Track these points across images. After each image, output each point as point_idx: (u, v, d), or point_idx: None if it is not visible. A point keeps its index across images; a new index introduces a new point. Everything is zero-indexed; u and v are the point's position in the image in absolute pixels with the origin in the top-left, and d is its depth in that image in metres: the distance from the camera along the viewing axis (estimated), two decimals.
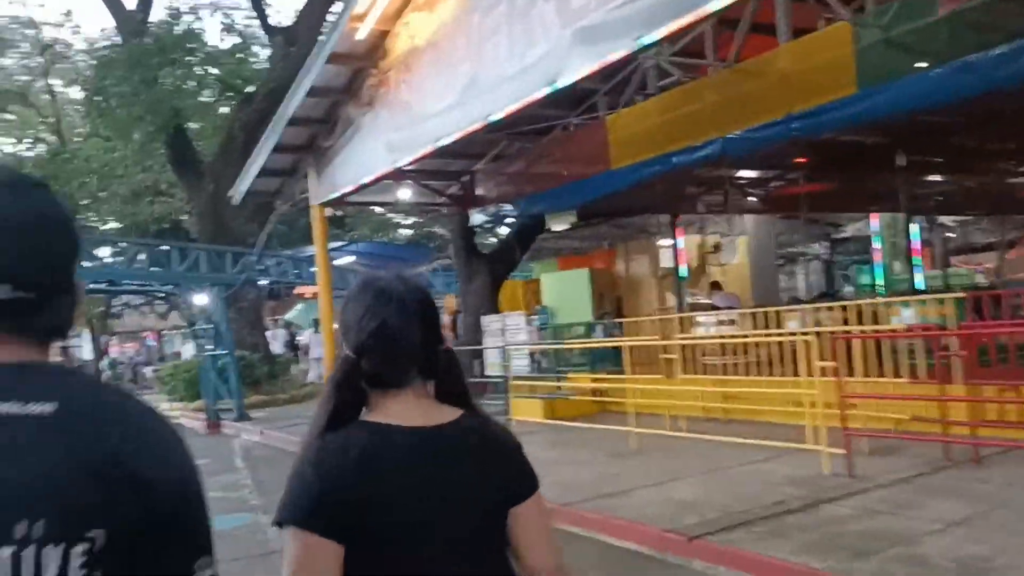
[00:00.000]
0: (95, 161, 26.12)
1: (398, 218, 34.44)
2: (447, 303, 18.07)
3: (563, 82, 6.63)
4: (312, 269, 19.85)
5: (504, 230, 19.78)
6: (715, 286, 14.18)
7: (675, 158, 9.10)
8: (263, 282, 17.36)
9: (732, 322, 11.12)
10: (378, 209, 25.79)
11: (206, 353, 15.13)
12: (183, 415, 16.56)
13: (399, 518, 1.37)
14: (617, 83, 11.23)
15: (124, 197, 27.30)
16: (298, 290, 26.02)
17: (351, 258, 25.57)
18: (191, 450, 1.08)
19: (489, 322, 13.85)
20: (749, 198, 14.55)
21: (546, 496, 1.58)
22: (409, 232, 35.98)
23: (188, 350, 22.80)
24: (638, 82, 10.89)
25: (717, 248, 16.74)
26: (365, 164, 10.97)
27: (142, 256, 14.63)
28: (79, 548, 0.92)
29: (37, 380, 0.99)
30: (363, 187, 11.56)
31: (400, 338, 1.44)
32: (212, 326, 14.60)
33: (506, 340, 12.98)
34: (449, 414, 1.49)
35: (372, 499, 1.36)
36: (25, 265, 1.01)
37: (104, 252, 15.51)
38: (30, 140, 30.67)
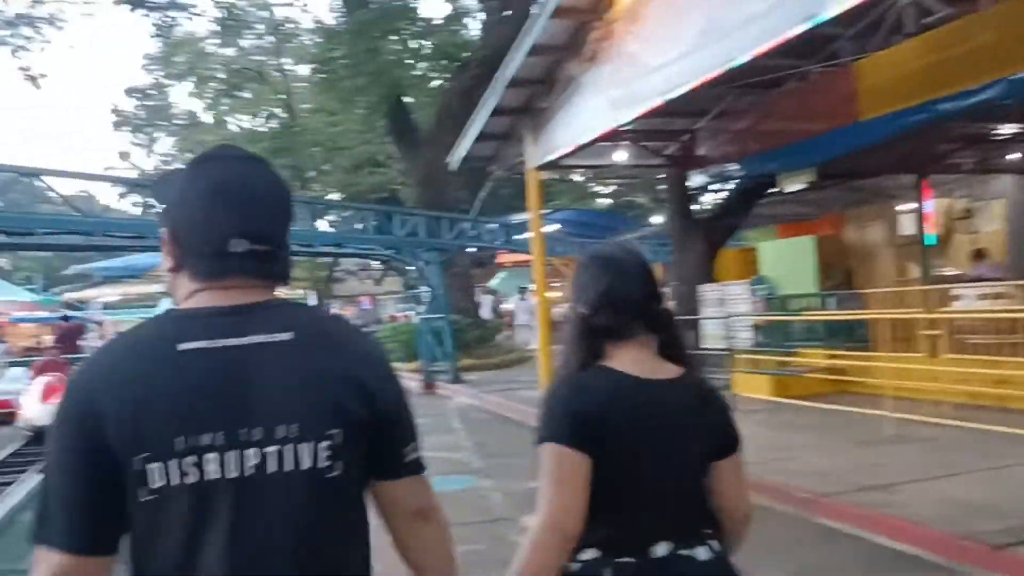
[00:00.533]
0: (321, 135, 27.79)
1: (597, 187, 34.05)
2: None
3: (828, 13, 5.81)
4: (520, 236, 19.95)
5: (713, 197, 18.83)
6: (980, 255, 12.55)
7: (943, 104, 7.92)
8: (474, 249, 17.51)
9: (999, 296, 9.67)
10: (577, 178, 25.52)
11: (422, 316, 15.48)
12: (400, 375, 17.19)
13: (628, 444, 1.67)
14: (865, 26, 10.01)
15: (345, 169, 28.87)
16: (500, 259, 26.30)
17: (556, 226, 25.44)
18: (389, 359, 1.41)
19: (707, 292, 13.09)
20: (1011, 155, 12.73)
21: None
22: (607, 201, 35.57)
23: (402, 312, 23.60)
24: (892, 23, 9.63)
25: (969, 213, 14.86)
26: (583, 124, 10.57)
27: (358, 226, 15.17)
28: (324, 444, 1.23)
29: (277, 315, 1.28)
30: (580, 149, 11.17)
31: (624, 296, 1.75)
32: (429, 290, 14.88)
33: (726, 311, 12.17)
34: (672, 370, 1.76)
35: (610, 424, 1.67)
36: (266, 222, 1.30)
37: (326, 220, 16.24)
38: (264, 116, 33.13)
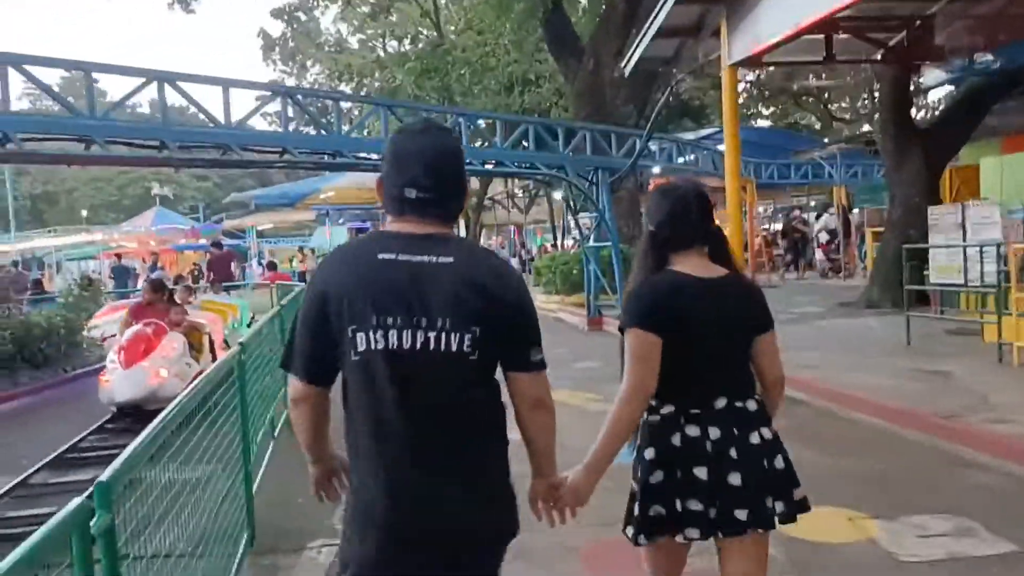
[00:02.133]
0: (471, 54, 26.38)
1: (754, 108, 31.24)
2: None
3: None
4: (694, 155, 17.83)
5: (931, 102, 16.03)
6: None
7: None
8: (656, 169, 15.59)
9: None
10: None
11: (586, 244, 13.87)
12: (561, 309, 15.69)
13: (693, 326, 2.29)
14: None
15: (494, 90, 27.37)
16: (655, 184, 24.13)
17: (721, 146, 23.07)
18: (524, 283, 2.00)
19: (940, 214, 10.73)
20: None
21: None
22: (767, 123, 32.83)
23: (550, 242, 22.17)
24: None
25: None
26: (792, 10, 8.52)
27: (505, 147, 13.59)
28: (467, 336, 1.82)
29: (444, 244, 1.88)
30: (790, 39, 9.06)
31: (683, 217, 2.37)
32: (596, 215, 13.22)
33: (972, 237, 9.83)
34: (721, 271, 2.38)
35: (678, 311, 2.29)
36: (431, 178, 1.89)
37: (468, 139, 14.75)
38: (410, 38, 32.04)
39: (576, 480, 2.23)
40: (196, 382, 3.32)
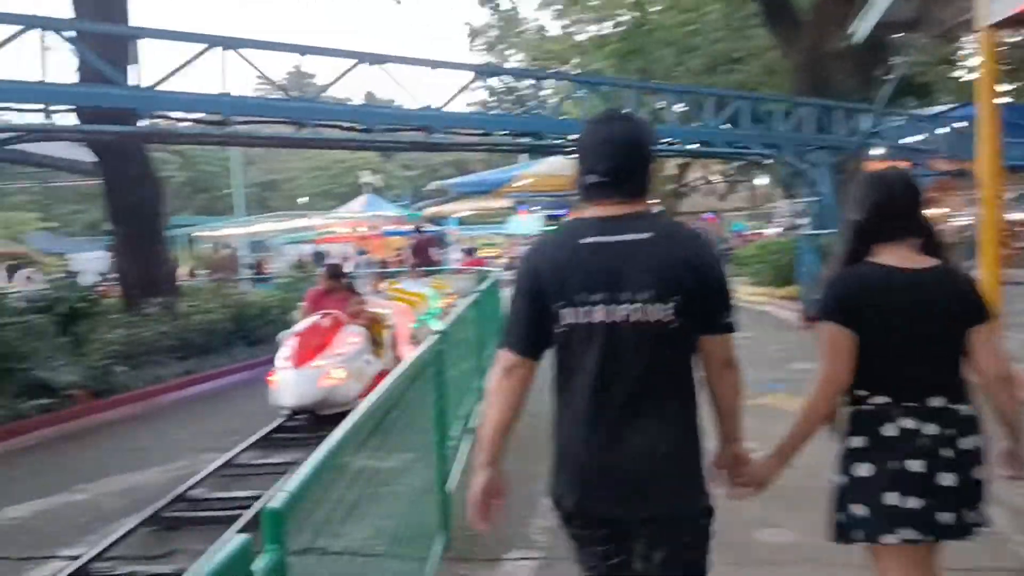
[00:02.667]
0: (673, 33, 25.42)
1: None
2: None
3: None
4: (926, 135, 15.93)
5: None
6: None
7: None
8: (881, 150, 14.06)
9: None
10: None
11: (803, 232, 12.70)
12: (769, 302, 14.55)
13: (888, 319, 2.26)
14: None
15: (697, 70, 26.22)
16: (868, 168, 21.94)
17: (963, 123, 20.53)
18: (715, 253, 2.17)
19: None
20: None
21: None
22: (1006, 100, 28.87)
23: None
24: None
25: None
26: None
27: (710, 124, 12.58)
28: (668, 306, 1.96)
29: (641, 222, 2.03)
30: None
31: (891, 208, 2.32)
32: (816, 199, 12.04)
33: None
34: (930, 262, 2.30)
35: (870, 304, 2.27)
36: (611, 163, 2.04)
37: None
38: (611, 22, 31.41)
39: (761, 464, 2.30)
40: (386, 381, 2.95)
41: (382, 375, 6.71)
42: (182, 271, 15.89)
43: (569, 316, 2.01)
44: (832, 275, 2.38)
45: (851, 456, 2.30)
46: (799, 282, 12.97)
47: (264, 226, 39.45)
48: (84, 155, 11.67)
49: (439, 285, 12.34)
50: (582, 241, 2.03)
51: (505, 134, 9.00)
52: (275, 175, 62.38)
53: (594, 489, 2.06)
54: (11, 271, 23.93)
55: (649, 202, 2.12)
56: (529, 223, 30.66)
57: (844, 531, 2.31)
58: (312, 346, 6.94)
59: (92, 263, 24.14)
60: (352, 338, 7.21)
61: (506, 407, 2.13)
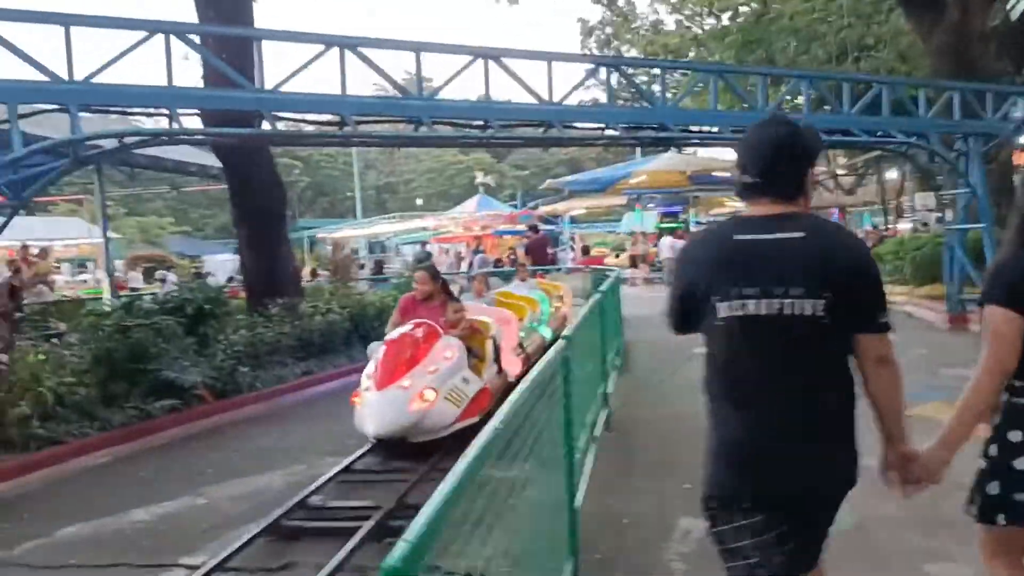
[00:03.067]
0: (797, 21, 24.29)
1: None
2: None
3: None
4: None
5: None
6: None
7: None
8: None
9: None
10: None
11: (948, 227, 11.69)
12: (909, 302, 13.51)
13: None
14: None
15: (822, 59, 24.94)
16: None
17: None
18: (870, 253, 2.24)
19: None
20: None
21: None
22: None
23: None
24: None
25: None
26: None
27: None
28: (820, 302, 2.03)
29: (794, 221, 2.12)
30: None
31: None
32: (965, 191, 11.04)
33: None
34: None
35: None
36: (762, 164, 2.17)
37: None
38: (732, 10, 30.36)
39: (929, 455, 2.28)
40: (512, 398, 2.63)
41: (483, 394, 6.29)
42: (304, 272, 16.24)
43: (724, 309, 2.13)
44: (1002, 259, 2.49)
45: (1009, 448, 2.41)
46: (945, 281, 11.94)
47: (382, 227, 40.43)
48: (213, 160, 12.02)
49: (550, 288, 11.89)
50: (736, 238, 2.17)
51: (625, 127, 8.61)
52: (393, 178, 63.86)
53: (754, 472, 2.18)
54: (148, 273, 25.27)
55: (805, 204, 2.22)
56: (643, 221, 29.97)
57: (991, 512, 2.45)
58: (400, 362, 5.99)
59: (224, 265, 25.22)
60: (448, 352, 6.19)
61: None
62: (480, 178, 49.31)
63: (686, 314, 2.25)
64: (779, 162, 2.18)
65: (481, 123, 8.15)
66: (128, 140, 7.25)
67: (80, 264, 27.96)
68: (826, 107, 11.37)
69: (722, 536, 2.21)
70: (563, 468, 3.81)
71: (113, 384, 7.35)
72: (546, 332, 9.56)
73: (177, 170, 13.09)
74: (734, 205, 25.77)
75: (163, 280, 20.86)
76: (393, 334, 6.41)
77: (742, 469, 2.18)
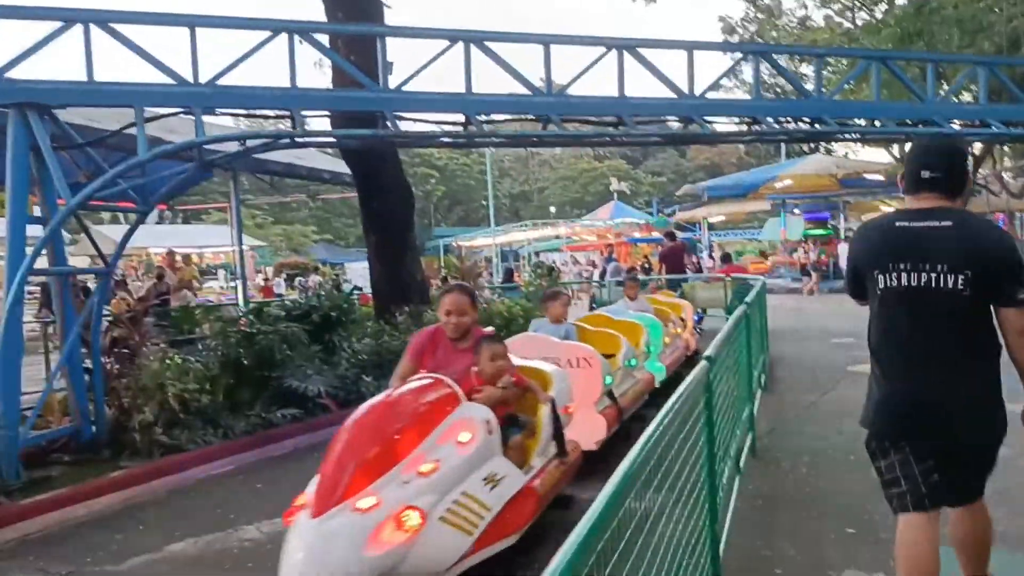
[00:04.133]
0: (962, 11, 22.32)
1: None
2: None
3: None
4: None
5: None
6: None
7: None
8: None
9: None
10: None
11: None
12: None
13: None
14: None
15: (987, 53, 22.80)
16: None
17: None
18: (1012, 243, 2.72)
19: None
20: None
21: None
22: None
23: None
24: None
25: None
26: None
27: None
28: (961, 277, 2.60)
29: (946, 214, 2.70)
30: None
31: None
32: None
33: None
34: None
35: None
36: (937, 163, 2.79)
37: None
38: (886, 2, 28.39)
39: None
40: (647, 433, 2.03)
41: (523, 500, 3.83)
42: (435, 281, 16.13)
43: (882, 281, 2.79)
44: None
45: None
46: None
47: (515, 235, 40.53)
48: (346, 167, 12.02)
49: (668, 308, 9.45)
50: (898, 224, 2.81)
51: (776, 122, 7.81)
52: (527, 186, 64.15)
53: (908, 420, 2.81)
54: (290, 280, 26.20)
55: (961, 201, 2.85)
56: (790, 228, 28.40)
57: None
58: (366, 459, 3.35)
59: (364, 273, 25.79)
60: (462, 433, 3.62)
61: None
62: (615, 184, 48.64)
63: (858, 284, 2.97)
64: (956, 162, 2.86)
65: (615, 120, 7.58)
66: (251, 144, 7.17)
67: (233, 271, 29.43)
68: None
69: (881, 470, 2.91)
70: (705, 506, 3.22)
71: (238, 391, 7.28)
72: (658, 368, 7.62)
73: (311, 177, 13.21)
74: (888, 209, 23.98)
75: (302, 287, 21.44)
76: (374, 400, 3.81)
77: (897, 417, 2.84)
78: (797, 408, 7.58)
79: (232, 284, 26.46)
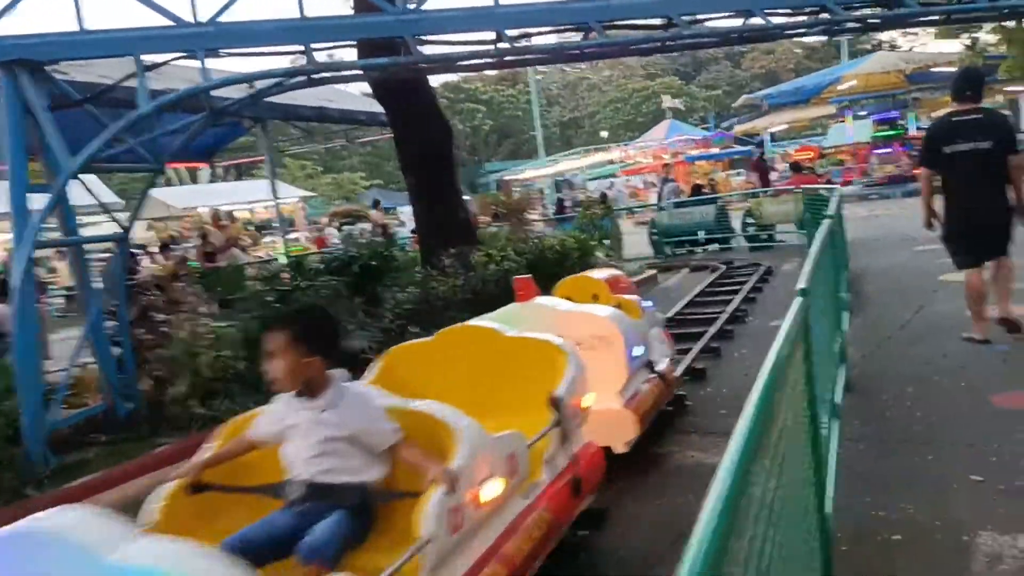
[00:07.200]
0: None
1: None
2: None
3: None
4: None
5: None
6: None
7: None
8: None
9: None
10: None
11: None
12: None
13: None
14: None
15: None
16: None
17: None
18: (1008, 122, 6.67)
19: None
20: None
21: None
22: None
23: None
24: None
25: None
26: None
27: None
28: (990, 142, 5.80)
29: (980, 110, 6.03)
30: None
31: None
32: None
33: None
34: None
35: None
36: (976, 84, 6.13)
37: None
38: None
39: None
40: (753, 398, 1.40)
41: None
42: (484, 218, 15.48)
43: (947, 149, 5.80)
44: None
45: None
46: None
47: (566, 164, 39.36)
48: (380, 107, 11.34)
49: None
50: (953, 119, 5.88)
51: (853, 6, 6.82)
52: (577, 113, 62.38)
53: (967, 219, 5.86)
54: (342, 228, 25.79)
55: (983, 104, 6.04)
56: (857, 131, 26.70)
57: None
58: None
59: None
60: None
61: (927, 192, 6.15)
62: (668, 102, 46.81)
63: (932, 154, 5.96)
64: (982, 82, 6.25)
65: (663, 22, 6.72)
66: (261, 85, 6.54)
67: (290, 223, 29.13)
68: None
69: (949, 247, 6.06)
70: (807, 462, 2.58)
71: None
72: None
73: (344, 120, 12.56)
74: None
75: (349, 235, 21.02)
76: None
77: (961, 219, 5.88)
78: (891, 328, 6.78)
79: (291, 237, 26.28)
